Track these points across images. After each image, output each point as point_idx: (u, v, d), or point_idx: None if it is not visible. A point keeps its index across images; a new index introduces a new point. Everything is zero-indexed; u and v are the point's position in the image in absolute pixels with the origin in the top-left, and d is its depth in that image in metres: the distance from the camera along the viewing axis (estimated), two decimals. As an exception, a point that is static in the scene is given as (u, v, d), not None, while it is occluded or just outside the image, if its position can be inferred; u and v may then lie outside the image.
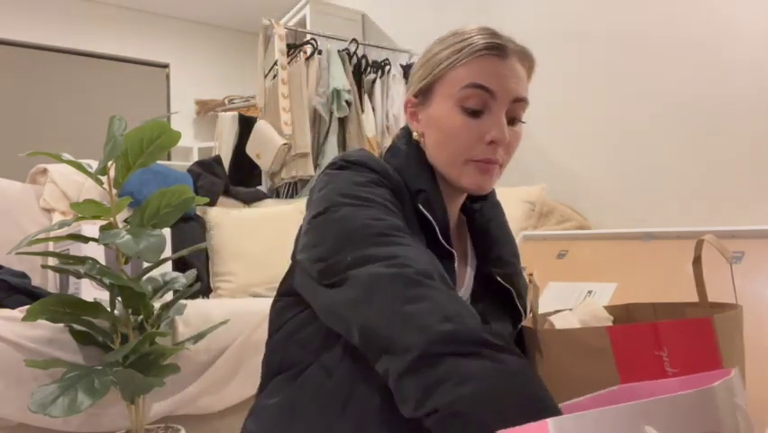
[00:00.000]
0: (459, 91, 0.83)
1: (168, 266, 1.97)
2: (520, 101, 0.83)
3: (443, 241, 0.83)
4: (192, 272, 1.61)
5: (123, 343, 1.41)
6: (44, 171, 2.45)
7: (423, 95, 0.90)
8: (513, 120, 0.85)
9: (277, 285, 0.94)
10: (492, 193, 1.01)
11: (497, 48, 0.82)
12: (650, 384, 0.62)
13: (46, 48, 4.28)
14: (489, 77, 0.81)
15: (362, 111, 3.13)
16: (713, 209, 1.96)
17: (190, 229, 2.48)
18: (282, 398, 0.78)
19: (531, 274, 0.88)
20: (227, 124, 4.02)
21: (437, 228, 0.83)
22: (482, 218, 0.98)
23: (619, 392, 0.62)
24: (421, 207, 0.84)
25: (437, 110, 0.87)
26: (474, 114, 0.82)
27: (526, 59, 0.85)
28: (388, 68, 3.29)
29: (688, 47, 2.05)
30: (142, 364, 1.38)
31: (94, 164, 1.83)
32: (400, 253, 0.68)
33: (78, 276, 1.42)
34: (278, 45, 3.07)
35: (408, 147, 0.90)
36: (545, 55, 2.66)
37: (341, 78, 3.02)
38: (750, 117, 1.88)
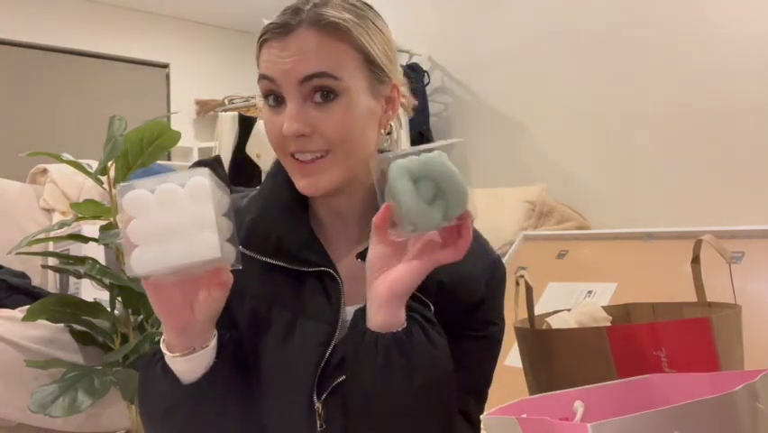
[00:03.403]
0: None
1: (168, 266, 1.96)
2: (312, 78, 0.69)
3: (302, 255, 0.75)
4: (192, 272, 1.61)
5: (123, 343, 1.41)
6: (44, 171, 2.45)
7: None
8: (325, 97, 0.70)
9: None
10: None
11: (275, 28, 0.71)
12: (680, 377, 0.63)
13: (46, 48, 4.27)
14: (267, 64, 0.72)
15: (362, 111, 3.12)
16: (713, 209, 1.96)
17: (190, 229, 2.48)
18: None
19: (522, 276, 0.86)
20: (227, 124, 4.02)
21: (288, 246, 0.75)
22: None
23: (651, 381, 0.63)
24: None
25: None
26: (275, 106, 0.73)
27: (320, 22, 0.70)
28: (387, 67, 3.28)
29: (689, 48, 2.05)
30: (142, 364, 1.38)
31: (94, 164, 1.82)
32: None
33: (78, 276, 1.43)
34: (279, 45, 3.07)
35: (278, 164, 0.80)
36: (546, 55, 2.66)
37: (340, 78, 3.02)
38: (750, 118, 1.88)
